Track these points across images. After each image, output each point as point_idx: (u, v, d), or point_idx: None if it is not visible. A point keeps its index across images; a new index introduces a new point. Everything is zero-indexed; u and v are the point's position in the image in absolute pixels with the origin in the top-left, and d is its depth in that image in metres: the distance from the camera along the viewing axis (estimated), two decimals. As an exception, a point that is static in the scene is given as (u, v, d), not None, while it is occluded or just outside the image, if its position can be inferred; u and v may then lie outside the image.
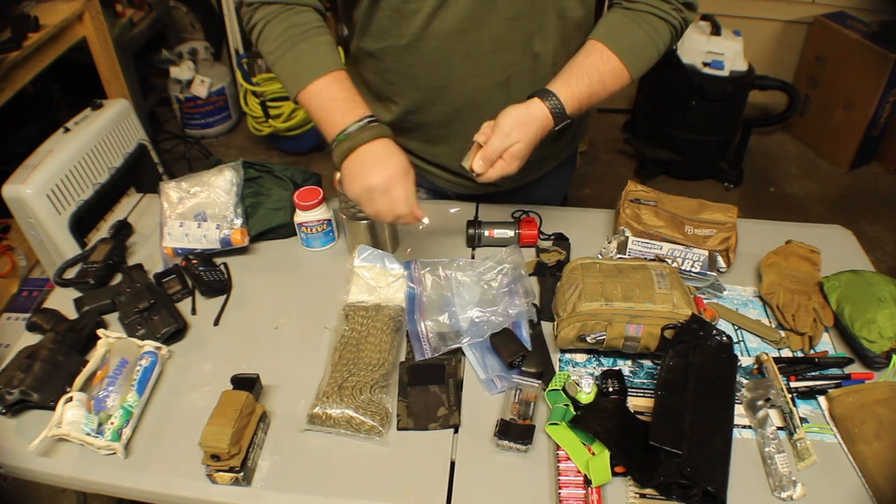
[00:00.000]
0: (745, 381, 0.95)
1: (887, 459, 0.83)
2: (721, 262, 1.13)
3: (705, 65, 2.68)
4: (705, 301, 1.08)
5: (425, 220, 0.97)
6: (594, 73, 0.97)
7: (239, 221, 1.18)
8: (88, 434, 0.85)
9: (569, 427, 0.87)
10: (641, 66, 1.01)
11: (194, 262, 1.12)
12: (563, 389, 0.92)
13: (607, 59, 0.98)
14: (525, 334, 1.00)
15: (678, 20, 1.00)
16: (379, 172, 0.91)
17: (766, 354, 0.97)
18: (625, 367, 0.99)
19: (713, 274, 1.11)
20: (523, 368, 0.95)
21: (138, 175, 2.13)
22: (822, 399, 0.94)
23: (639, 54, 1.00)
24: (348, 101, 0.95)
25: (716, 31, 2.70)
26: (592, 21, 1.04)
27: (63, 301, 1.09)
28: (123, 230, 1.24)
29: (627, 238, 1.15)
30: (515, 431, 0.87)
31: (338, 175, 1.07)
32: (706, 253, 1.12)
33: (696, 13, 1.02)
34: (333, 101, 0.95)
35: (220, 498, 0.83)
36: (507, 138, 0.94)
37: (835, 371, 0.98)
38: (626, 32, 0.99)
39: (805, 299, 1.06)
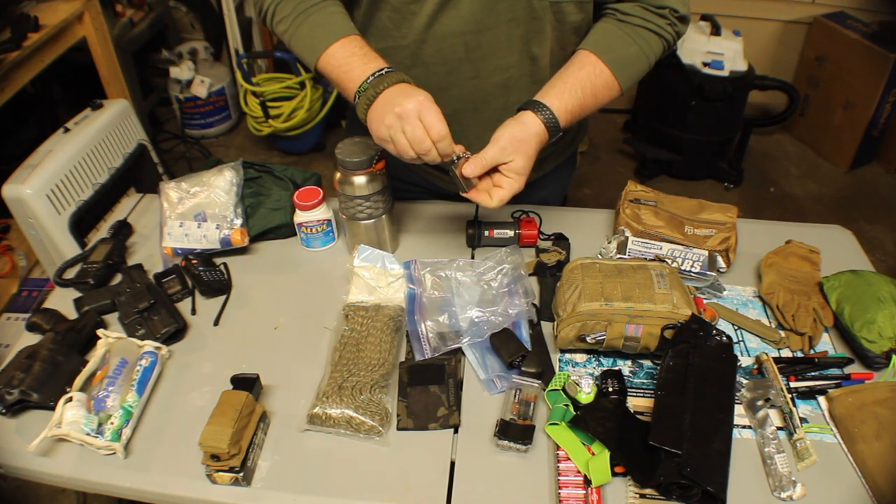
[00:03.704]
0: (745, 381, 0.95)
1: (887, 459, 0.83)
2: (721, 262, 1.13)
3: (705, 65, 2.68)
4: (705, 301, 1.08)
5: (461, 154, 0.92)
6: (587, 86, 0.97)
7: (239, 221, 1.18)
8: (88, 434, 0.85)
9: (569, 427, 0.87)
10: (632, 79, 1.01)
11: (194, 262, 1.12)
12: (563, 389, 0.92)
13: (600, 72, 0.98)
14: (525, 334, 1.00)
15: (671, 34, 1.00)
16: (409, 99, 0.87)
17: (766, 354, 0.97)
18: (625, 367, 0.99)
19: (713, 274, 1.11)
20: (523, 368, 0.95)
21: (138, 175, 2.12)
22: (822, 399, 0.94)
23: (631, 68, 1.00)
24: (364, 55, 0.94)
25: (716, 31, 2.70)
26: (591, 25, 1.03)
27: (63, 301, 1.09)
28: (123, 230, 1.24)
29: (627, 238, 1.15)
30: (515, 431, 0.87)
31: (337, 175, 1.07)
32: (706, 253, 1.12)
33: (689, 24, 1.02)
34: (350, 59, 0.94)
35: (220, 498, 0.83)
36: (503, 152, 0.92)
37: (835, 371, 0.98)
38: (619, 46, 0.99)
39: (805, 299, 1.06)
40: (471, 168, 0.92)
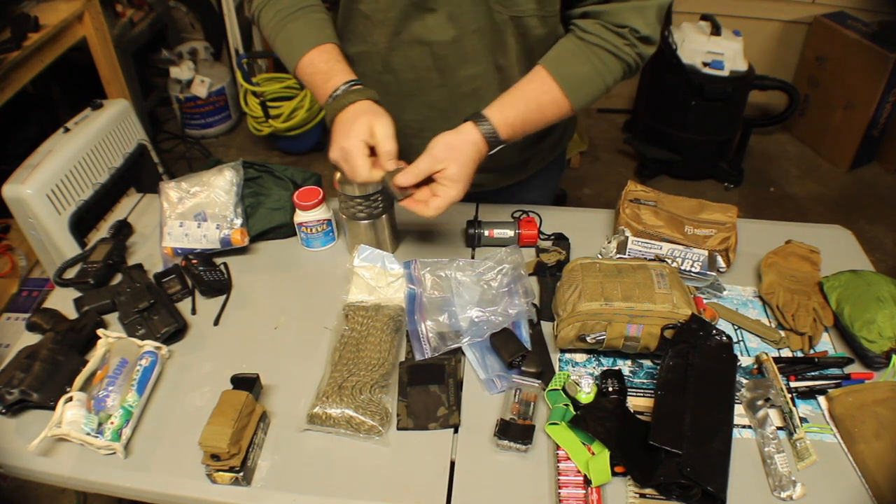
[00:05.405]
0: (745, 381, 0.95)
1: (887, 459, 0.83)
2: (721, 262, 1.13)
3: (705, 65, 2.68)
4: (705, 301, 1.08)
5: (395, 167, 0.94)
6: (532, 100, 0.96)
7: (239, 221, 1.18)
8: (88, 434, 0.85)
9: (569, 427, 0.87)
10: (584, 99, 0.99)
11: (194, 262, 1.12)
12: (563, 389, 0.92)
13: (549, 88, 0.96)
14: (525, 334, 1.00)
15: (632, 56, 0.97)
16: (336, 144, 0.94)
17: (766, 354, 0.97)
18: (625, 367, 0.99)
19: (713, 274, 1.11)
20: (523, 368, 0.95)
21: (138, 175, 2.13)
22: (821, 399, 0.94)
23: (582, 88, 0.98)
24: (327, 72, 0.98)
25: (716, 31, 2.70)
26: (558, 37, 1.01)
27: (63, 301, 1.09)
28: (123, 230, 1.24)
29: (627, 238, 1.15)
30: (515, 431, 0.87)
31: (337, 175, 1.08)
32: (706, 253, 1.12)
33: (655, 46, 0.98)
34: (316, 75, 0.99)
35: (219, 498, 0.83)
36: (434, 160, 0.92)
37: (835, 371, 0.98)
38: (573, 64, 0.97)
39: (805, 299, 1.06)
40: (403, 178, 0.92)
